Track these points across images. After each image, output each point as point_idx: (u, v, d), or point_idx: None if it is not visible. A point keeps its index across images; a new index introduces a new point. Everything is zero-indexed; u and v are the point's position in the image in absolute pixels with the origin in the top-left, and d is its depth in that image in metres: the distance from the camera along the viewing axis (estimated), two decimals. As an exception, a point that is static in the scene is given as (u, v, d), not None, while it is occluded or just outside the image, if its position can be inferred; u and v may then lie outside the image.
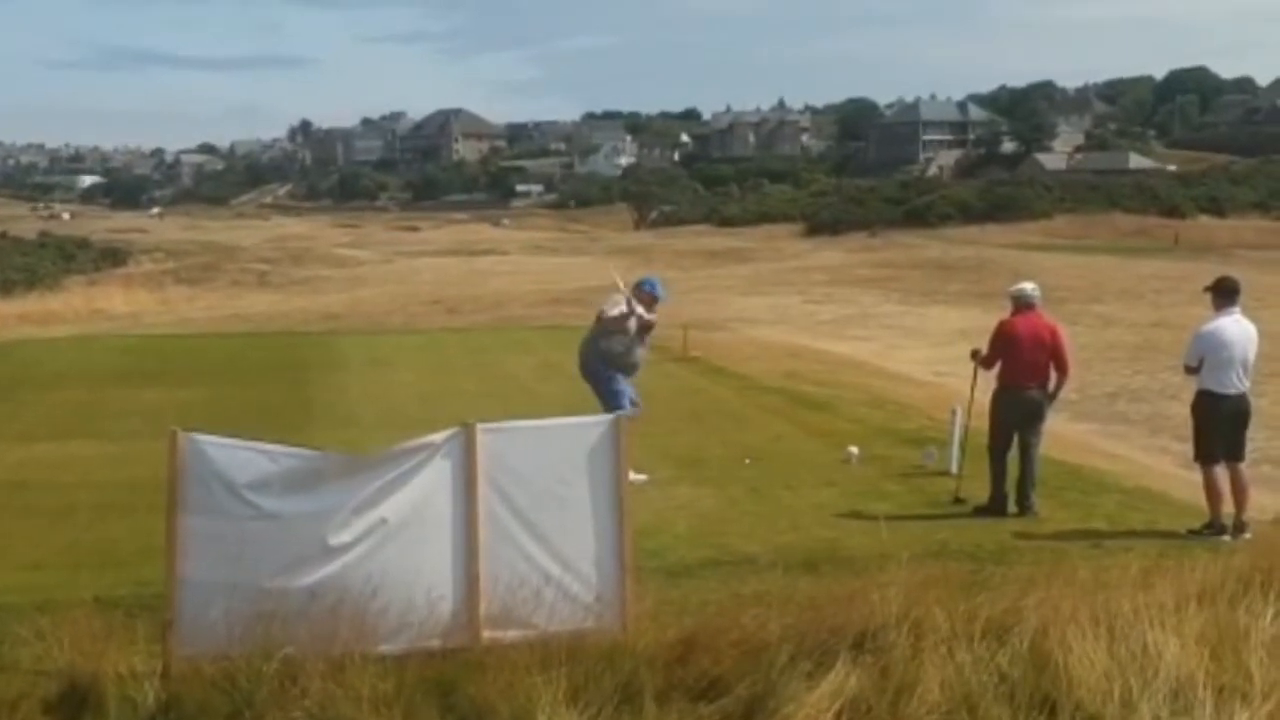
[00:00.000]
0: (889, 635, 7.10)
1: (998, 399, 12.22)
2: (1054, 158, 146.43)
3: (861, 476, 13.65)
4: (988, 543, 10.73)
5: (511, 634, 7.37)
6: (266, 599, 7.11)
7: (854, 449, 14.54)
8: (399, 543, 7.39)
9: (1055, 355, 12.12)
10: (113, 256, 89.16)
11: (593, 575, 7.64)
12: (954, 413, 13.83)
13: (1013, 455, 12.16)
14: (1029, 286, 12.48)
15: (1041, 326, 12.20)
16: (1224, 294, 11.52)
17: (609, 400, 12.89)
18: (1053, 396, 12.29)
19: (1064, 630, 7.02)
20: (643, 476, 12.92)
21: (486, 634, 7.40)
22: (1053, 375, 12.18)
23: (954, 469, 13.25)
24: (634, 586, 7.75)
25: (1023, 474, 12.08)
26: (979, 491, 12.25)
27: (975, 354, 12.60)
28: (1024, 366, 12.05)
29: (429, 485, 7.48)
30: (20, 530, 11.46)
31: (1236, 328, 11.36)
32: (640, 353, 13.51)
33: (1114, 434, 20.64)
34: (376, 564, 7.33)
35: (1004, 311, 12.58)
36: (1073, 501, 12.54)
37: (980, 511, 11.97)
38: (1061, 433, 18.19)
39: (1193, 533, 11.18)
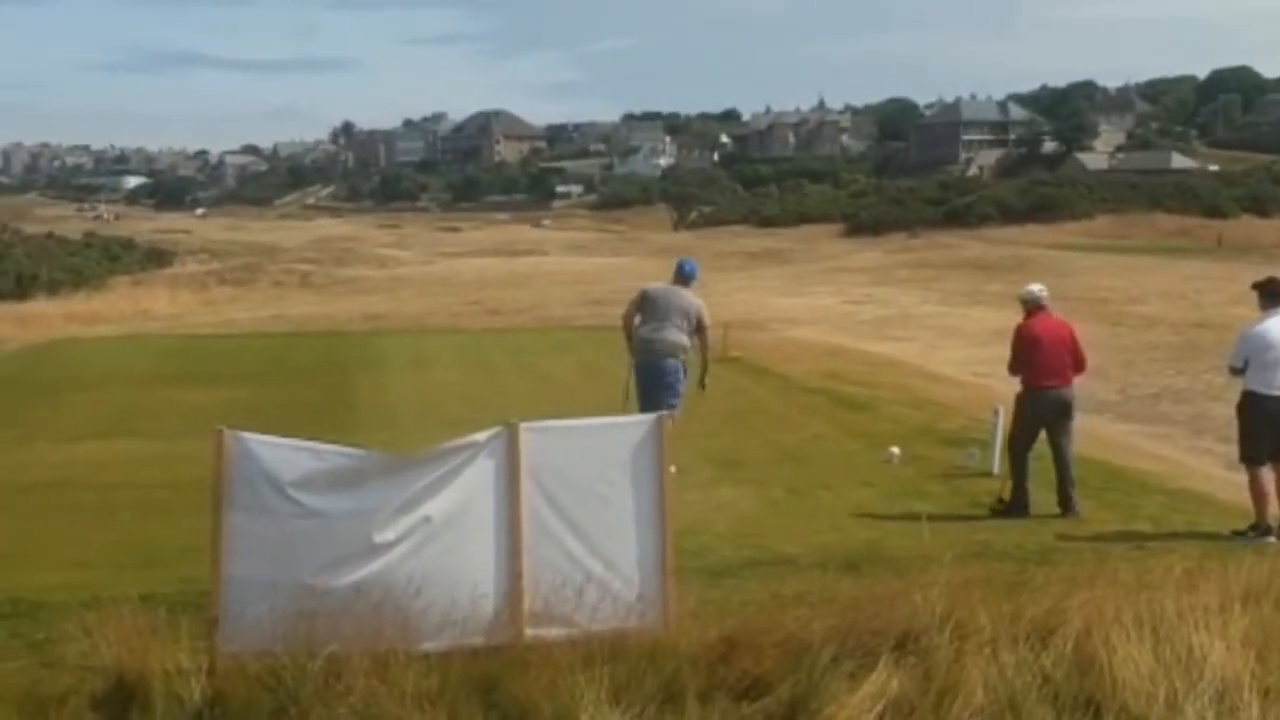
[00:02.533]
0: (931, 636, 7.08)
1: (1024, 401, 12.17)
2: (1095, 157, 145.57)
3: (902, 477, 13.61)
4: (1030, 544, 10.67)
5: (554, 632, 7.39)
6: (311, 596, 7.14)
7: (895, 449, 14.50)
8: (443, 541, 7.42)
9: (1073, 352, 12.18)
10: (158, 257, 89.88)
11: (635, 574, 7.64)
12: (996, 413, 13.79)
13: (1047, 457, 12.09)
14: (1038, 288, 12.52)
15: (1059, 325, 12.29)
16: (1271, 294, 11.40)
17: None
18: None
19: (1108, 632, 6.98)
20: (670, 468, 12.89)
21: (529, 632, 7.42)
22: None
23: (996, 470, 13.21)
24: (675, 586, 7.76)
25: (1061, 475, 12.00)
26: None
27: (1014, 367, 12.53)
28: (1049, 367, 12.03)
29: (473, 484, 7.50)
30: (66, 528, 11.58)
31: None
32: (666, 333, 13.34)
33: (1157, 435, 20.50)
34: (420, 562, 7.36)
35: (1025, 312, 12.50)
36: (1115, 502, 12.47)
37: (1002, 513, 11.91)
38: (1104, 433, 18.11)
39: (1237, 534, 11.09)
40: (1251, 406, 11.29)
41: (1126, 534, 11.16)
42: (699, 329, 13.45)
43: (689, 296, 13.54)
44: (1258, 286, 11.60)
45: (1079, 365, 12.23)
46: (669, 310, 13.40)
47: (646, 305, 13.53)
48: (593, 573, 7.56)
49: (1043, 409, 12.04)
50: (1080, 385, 12.57)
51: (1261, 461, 11.25)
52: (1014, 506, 11.94)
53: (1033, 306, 12.30)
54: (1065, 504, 11.90)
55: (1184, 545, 10.15)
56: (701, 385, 13.69)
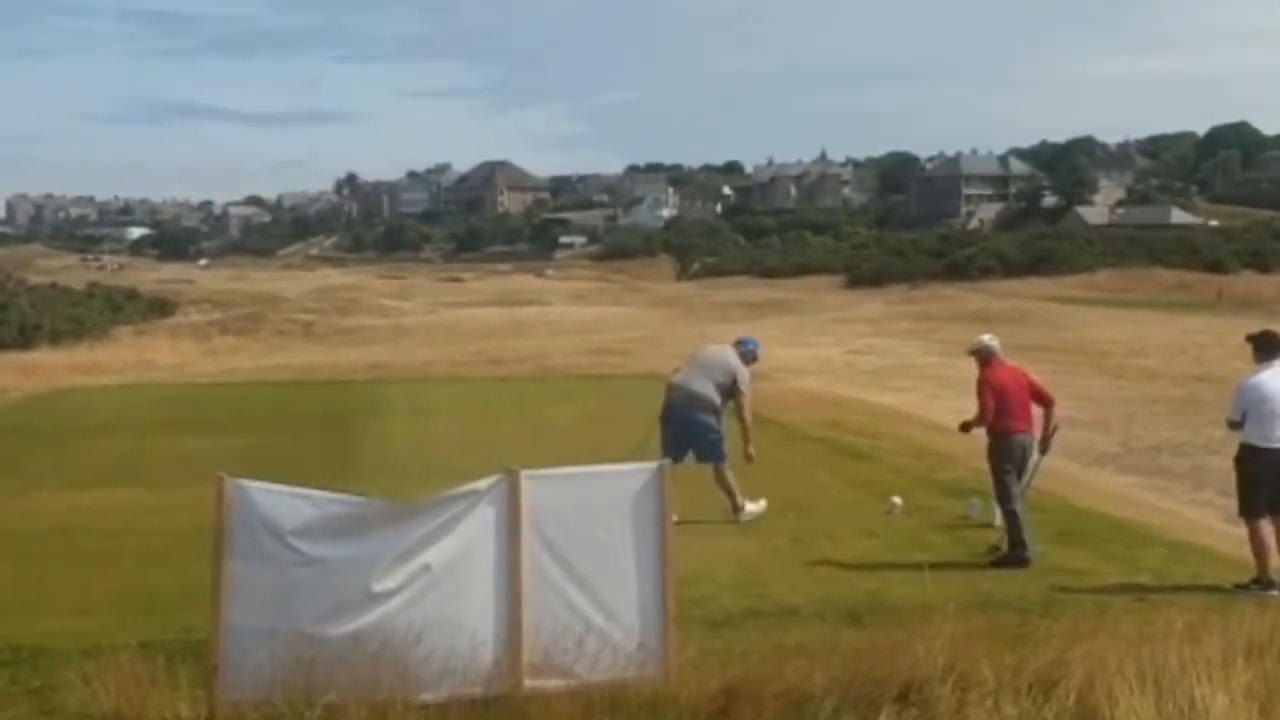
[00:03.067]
0: (934, 688, 7.06)
1: (997, 448, 12.29)
2: (1095, 212, 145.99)
3: (904, 527, 13.60)
4: (1032, 595, 10.65)
5: (553, 683, 7.37)
6: (310, 645, 7.14)
7: (897, 499, 14.49)
8: (442, 590, 7.41)
9: (1037, 393, 12.41)
10: (160, 307, 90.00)
11: (635, 624, 7.63)
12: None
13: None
14: (989, 338, 12.80)
15: (1017, 372, 12.59)
16: (1265, 347, 11.47)
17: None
18: (1052, 433, 12.47)
19: (1110, 684, 6.96)
20: (761, 504, 13.81)
21: (528, 682, 7.40)
22: (1038, 415, 12.42)
23: (997, 521, 13.20)
24: (676, 635, 7.74)
25: (1010, 519, 12.13)
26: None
27: (965, 427, 12.65)
28: (1015, 412, 12.25)
29: (473, 532, 7.50)
30: (67, 576, 11.56)
31: (1278, 380, 11.31)
32: (691, 383, 13.85)
33: (1158, 488, 20.44)
34: (419, 611, 7.35)
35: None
36: (1117, 555, 12.45)
37: (1000, 562, 11.91)
38: (1105, 486, 18.11)
39: (1240, 587, 11.07)
40: (1250, 459, 11.29)
41: (1128, 586, 11.13)
42: (735, 392, 13.86)
43: (732, 358, 14.02)
44: (1252, 339, 11.66)
45: (1049, 403, 12.47)
46: (706, 365, 14.01)
47: (690, 360, 14.30)
48: (593, 622, 7.55)
49: (1014, 453, 12.24)
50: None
51: (1261, 514, 11.23)
52: (1013, 558, 11.94)
53: (987, 356, 12.50)
54: (1014, 555, 11.92)
55: (1186, 598, 10.12)
56: (747, 457, 14.01)
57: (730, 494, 13.76)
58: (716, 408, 13.84)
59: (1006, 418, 12.20)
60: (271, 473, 8.41)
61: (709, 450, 13.72)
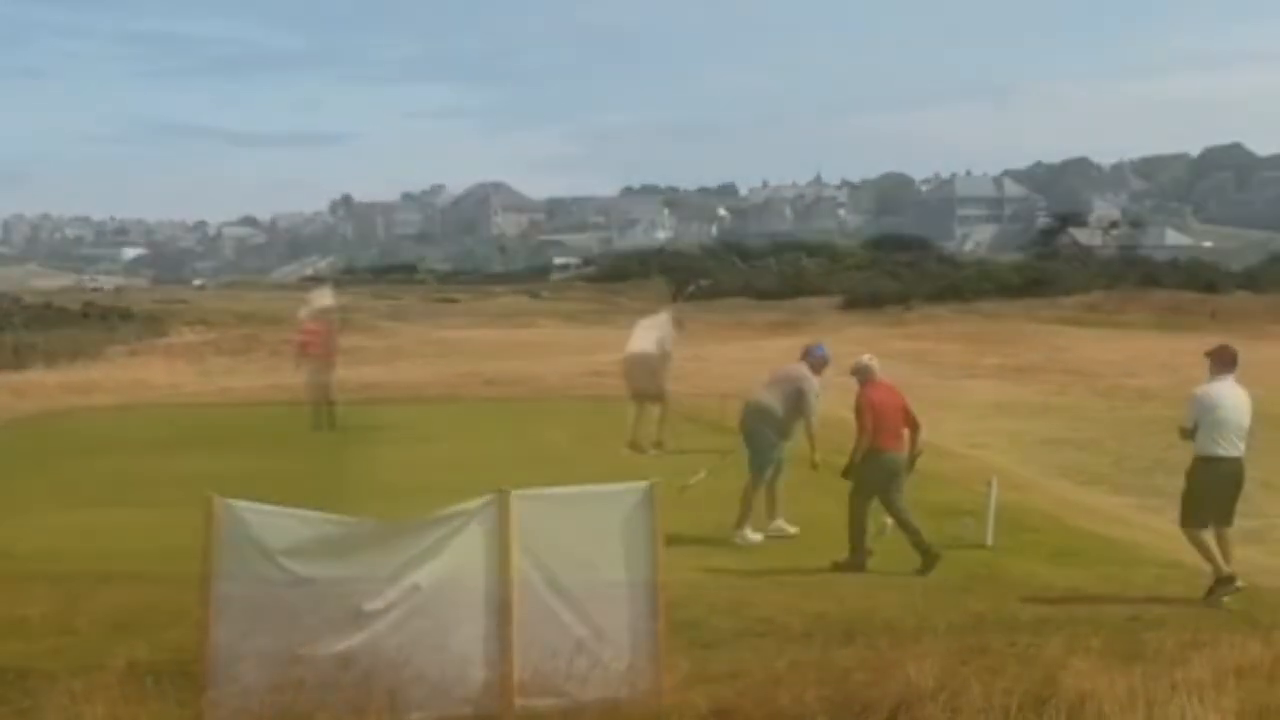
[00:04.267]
0: (925, 707, 7.06)
1: (869, 464, 12.66)
2: (1090, 233, 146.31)
3: (897, 547, 13.56)
4: (1023, 614, 10.64)
5: (544, 702, 7.37)
6: (299, 665, 7.13)
7: (889, 520, 14.46)
8: (432, 610, 7.41)
9: (908, 415, 12.93)
10: (155, 328, 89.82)
11: (626, 643, 7.63)
12: (990, 484, 13.85)
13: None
14: (868, 358, 13.38)
15: (894, 392, 13.17)
16: (1221, 361, 11.81)
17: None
18: (916, 454, 13.09)
19: (1101, 704, 6.96)
20: (760, 535, 14.04)
21: (519, 702, 7.39)
22: (906, 435, 12.94)
23: (989, 540, 13.24)
24: (667, 655, 7.73)
25: (912, 535, 12.57)
26: (1011, 564, 12.47)
27: (847, 472, 12.94)
28: (891, 431, 12.76)
29: (463, 553, 7.50)
30: (58, 596, 11.52)
31: (1230, 391, 11.61)
32: (756, 395, 14.74)
33: (1151, 507, 20.34)
34: (409, 631, 7.34)
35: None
36: (1109, 574, 12.47)
37: (843, 567, 12.39)
38: (1098, 505, 18.11)
39: (1211, 594, 11.21)
40: (1202, 469, 11.62)
41: (1120, 606, 11.13)
42: (799, 400, 14.32)
43: (799, 369, 14.67)
44: (1210, 354, 12.06)
45: (915, 427, 13.04)
46: (775, 380, 14.81)
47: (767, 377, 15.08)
48: (583, 642, 7.55)
49: (885, 472, 12.69)
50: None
51: (1203, 525, 11.44)
52: (855, 564, 12.45)
53: (867, 377, 13.01)
54: (929, 559, 12.33)
55: (1177, 618, 10.13)
56: (813, 464, 14.45)
57: (746, 511, 14.08)
58: (779, 421, 14.30)
59: (880, 435, 12.64)
60: (264, 493, 8.40)
61: (755, 461, 14.27)
